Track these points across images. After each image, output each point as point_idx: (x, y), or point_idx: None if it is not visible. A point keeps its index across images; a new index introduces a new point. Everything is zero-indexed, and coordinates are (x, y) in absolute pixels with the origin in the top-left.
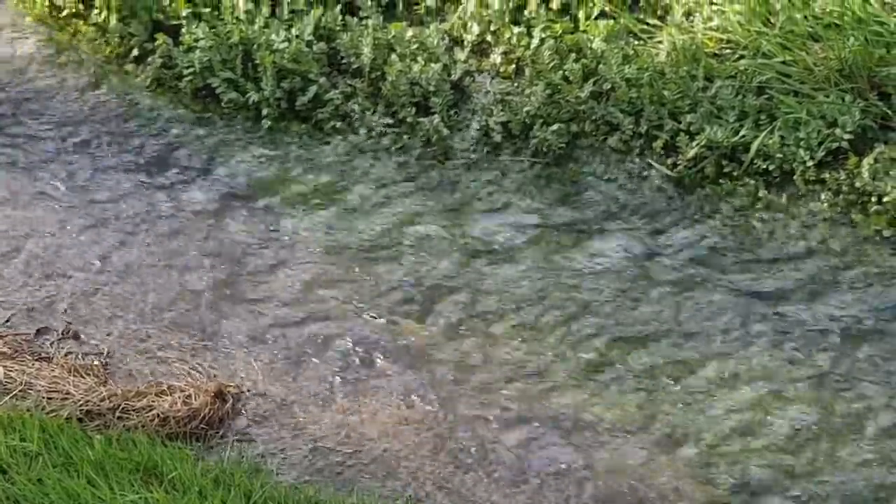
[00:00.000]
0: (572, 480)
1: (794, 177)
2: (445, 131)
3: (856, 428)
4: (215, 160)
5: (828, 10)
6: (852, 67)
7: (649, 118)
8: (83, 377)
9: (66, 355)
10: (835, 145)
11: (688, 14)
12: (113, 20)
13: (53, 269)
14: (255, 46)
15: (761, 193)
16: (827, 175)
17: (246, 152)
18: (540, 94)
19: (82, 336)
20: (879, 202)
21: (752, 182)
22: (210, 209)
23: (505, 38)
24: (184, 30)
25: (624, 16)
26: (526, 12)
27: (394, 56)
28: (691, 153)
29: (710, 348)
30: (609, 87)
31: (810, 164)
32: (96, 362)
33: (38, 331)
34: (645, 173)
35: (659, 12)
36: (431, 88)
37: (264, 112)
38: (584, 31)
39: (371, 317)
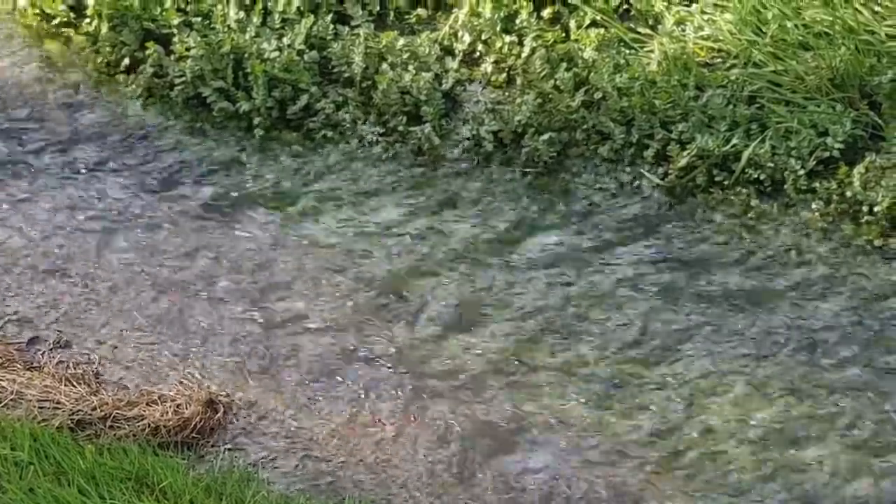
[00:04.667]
0: (568, 491)
1: (785, 186)
2: (437, 140)
3: (851, 436)
4: (206, 169)
5: (818, 19)
6: (843, 77)
7: (640, 127)
8: (74, 386)
9: (57, 364)
10: (826, 155)
11: (679, 23)
12: (104, 29)
13: (45, 278)
14: (246, 55)
15: (752, 202)
16: (818, 184)
17: (237, 161)
18: (531, 103)
19: (74, 345)
20: (870, 212)
21: (744, 191)
22: (202, 218)
23: (496, 48)
24: (175, 39)
25: (615, 25)
26: (517, 21)
27: (385, 65)
28: (682, 162)
29: (699, 357)
30: (600, 96)
31: (801, 173)
32: (88, 371)
33: (29, 340)
34: (636, 182)
35: (650, 21)
36: (423, 97)
37: (255, 121)
38: (576, 41)
39: (363, 325)
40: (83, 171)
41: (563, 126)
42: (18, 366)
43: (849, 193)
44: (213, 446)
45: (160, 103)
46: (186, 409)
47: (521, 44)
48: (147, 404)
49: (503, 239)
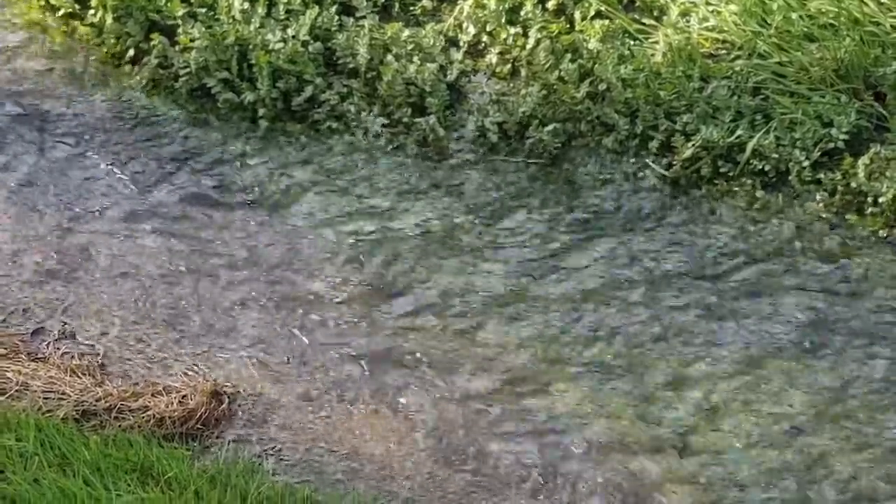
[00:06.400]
0: (569, 484)
1: (790, 177)
2: (441, 132)
3: (855, 436)
4: (211, 160)
5: (823, 10)
6: (848, 68)
7: (645, 118)
8: (79, 377)
9: (62, 355)
10: (830, 146)
11: (684, 14)
12: (109, 20)
13: (49, 269)
14: (251, 46)
15: (757, 194)
16: (822, 175)
17: (242, 153)
18: (536, 94)
19: (79, 336)
20: (875, 203)
21: (748, 182)
22: (206, 210)
23: (501, 39)
24: (180, 30)
25: (620, 16)
26: (522, 13)
27: (390, 56)
28: (687, 153)
29: (705, 347)
30: (605, 87)
31: (806, 164)
32: (93, 362)
33: (34, 331)
34: (641, 174)
35: (655, 12)
36: (427, 89)
37: (260, 112)
38: (580, 32)
39: (368, 317)
40: (87, 161)
41: (567, 117)
42: (23, 357)
43: (853, 184)
44: (217, 437)
45: (165, 94)
46: (191, 400)
47: (525, 35)
48: (152, 395)
49: (507, 230)
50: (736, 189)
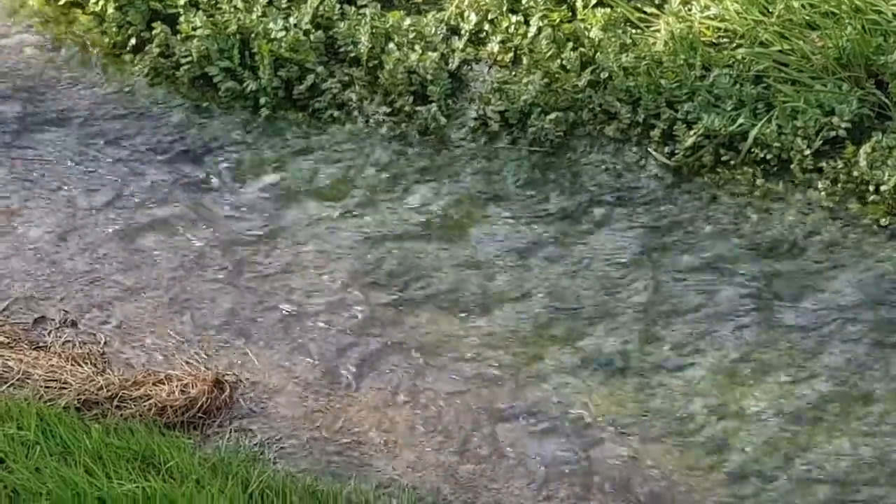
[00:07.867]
0: (573, 472)
1: (792, 165)
2: (443, 120)
3: (852, 419)
4: (213, 149)
5: None
6: (850, 56)
7: (647, 107)
8: (81, 366)
9: (63, 344)
10: (832, 134)
11: (685, 3)
12: (110, 9)
13: (51, 258)
14: (252, 35)
15: (759, 182)
16: (824, 164)
17: (244, 141)
18: (537, 82)
19: (80, 325)
20: (877, 191)
21: (750, 171)
22: (208, 199)
23: (502, 27)
24: (181, 18)
25: (621, 4)
26: (523, 1)
27: (391, 45)
28: (689, 142)
29: (705, 336)
30: (607, 75)
31: (807, 152)
32: (94, 351)
33: (35, 320)
34: (643, 162)
35: (656, 1)
36: (429, 77)
37: (262, 101)
38: (582, 20)
39: (369, 305)
40: (89, 151)
41: (569, 106)
42: (25, 345)
43: (855, 173)
44: (219, 426)
45: (167, 83)
46: (193, 388)
47: (527, 23)
48: (153, 384)
49: (509, 218)
50: (738, 177)
